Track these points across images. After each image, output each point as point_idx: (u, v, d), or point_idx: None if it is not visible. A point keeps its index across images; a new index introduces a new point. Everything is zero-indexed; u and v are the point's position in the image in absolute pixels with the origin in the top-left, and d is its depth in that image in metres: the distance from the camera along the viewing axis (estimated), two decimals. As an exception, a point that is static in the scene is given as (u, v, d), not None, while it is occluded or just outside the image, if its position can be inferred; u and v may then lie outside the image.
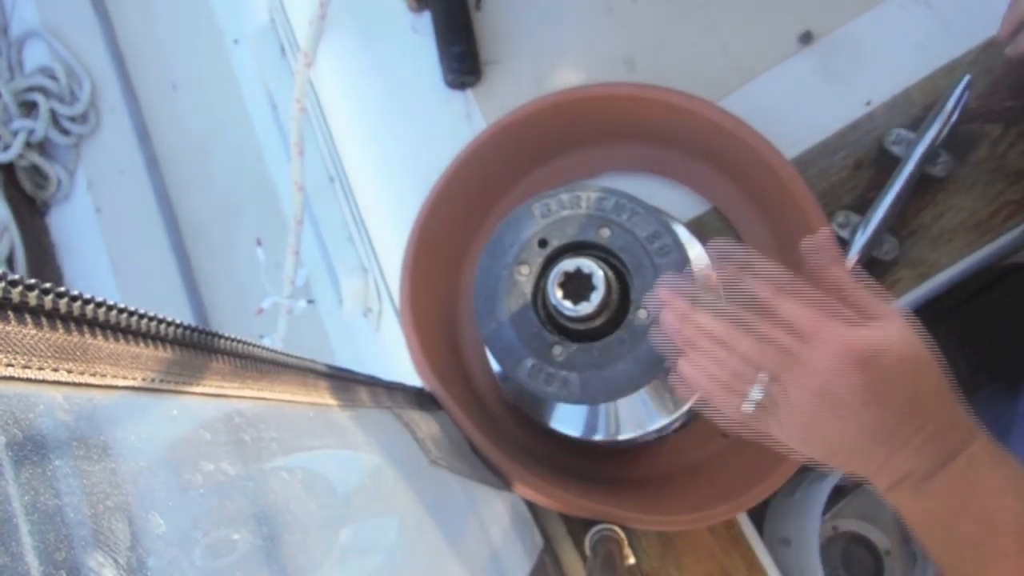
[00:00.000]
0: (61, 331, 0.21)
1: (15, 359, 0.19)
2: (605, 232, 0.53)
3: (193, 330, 0.27)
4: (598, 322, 0.52)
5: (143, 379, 0.23)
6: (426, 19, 0.74)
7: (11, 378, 0.19)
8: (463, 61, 0.70)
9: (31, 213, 1.80)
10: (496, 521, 0.57)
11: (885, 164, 0.66)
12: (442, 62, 0.71)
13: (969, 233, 0.65)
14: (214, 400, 0.27)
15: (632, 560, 0.63)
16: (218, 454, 0.26)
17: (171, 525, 0.22)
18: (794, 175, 0.60)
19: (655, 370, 0.50)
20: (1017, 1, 0.58)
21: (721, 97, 0.68)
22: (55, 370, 0.20)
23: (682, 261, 0.51)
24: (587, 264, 0.51)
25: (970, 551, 0.41)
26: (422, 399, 0.57)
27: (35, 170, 1.79)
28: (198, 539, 0.24)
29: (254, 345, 0.31)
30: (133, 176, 1.73)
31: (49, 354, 0.20)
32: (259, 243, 1.27)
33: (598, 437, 0.61)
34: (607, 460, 0.65)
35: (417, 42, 0.74)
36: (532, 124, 0.64)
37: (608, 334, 0.51)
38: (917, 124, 0.66)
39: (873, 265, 0.65)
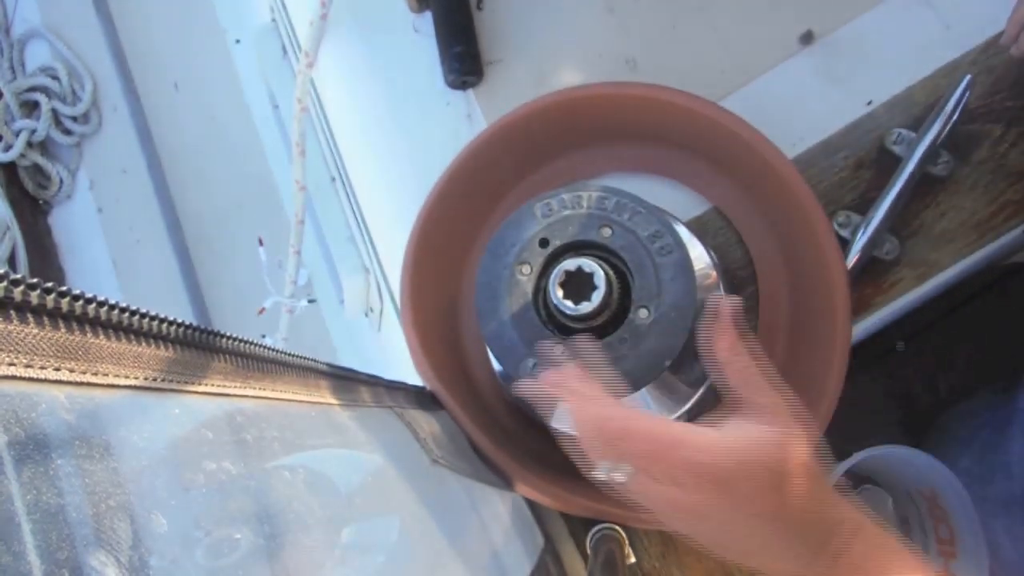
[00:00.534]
0: (63, 330, 0.21)
1: (17, 358, 0.19)
2: (606, 232, 0.53)
3: (195, 329, 0.27)
4: (599, 321, 0.52)
5: (145, 378, 0.24)
6: (427, 19, 0.74)
7: (13, 377, 0.19)
8: (464, 61, 0.70)
9: (33, 213, 1.80)
10: (497, 520, 0.57)
11: (886, 164, 0.66)
12: (443, 62, 0.72)
13: (970, 233, 0.65)
14: (216, 399, 0.27)
15: (633, 559, 0.63)
16: (220, 453, 0.26)
17: (173, 524, 0.23)
18: (795, 175, 0.60)
19: (656, 369, 0.50)
20: (1022, 2, 0.58)
21: (722, 97, 0.68)
22: (57, 369, 0.20)
23: (683, 261, 0.51)
24: (588, 264, 0.51)
25: None
26: (423, 398, 0.57)
27: (37, 170, 1.79)
28: (200, 538, 0.24)
29: (256, 344, 0.31)
30: (135, 176, 1.73)
31: (51, 353, 0.20)
32: (260, 243, 1.27)
33: (599, 437, 0.61)
34: (608, 460, 0.65)
35: (418, 42, 0.74)
36: (533, 124, 0.64)
37: (609, 334, 0.51)
38: (918, 124, 0.66)
39: (874, 265, 0.65)
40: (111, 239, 1.76)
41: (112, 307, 0.23)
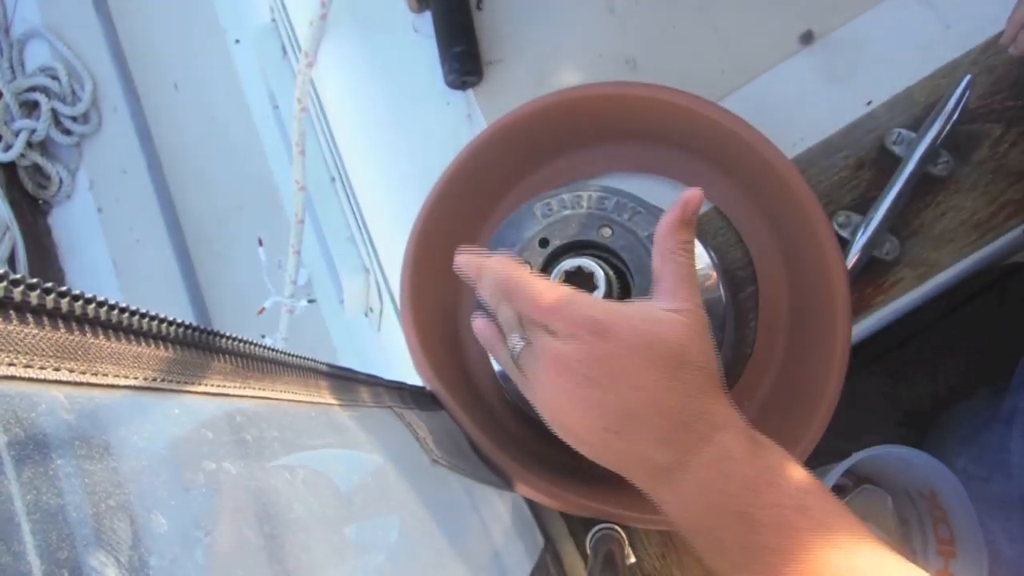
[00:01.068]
0: (63, 330, 0.21)
1: (17, 358, 0.19)
2: (606, 231, 0.53)
3: (195, 329, 0.27)
4: (599, 322, 0.51)
5: (145, 378, 0.24)
6: (427, 19, 0.74)
7: (13, 377, 0.19)
8: (464, 61, 0.70)
9: (33, 213, 1.80)
10: (497, 520, 0.57)
11: (886, 164, 0.66)
12: (443, 62, 0.72)
13: (970, 233, 0.65)
14: (216, 399, 0.27)
15: (633, 559, 0.63)
16: (220, 453, 0.26)
17: (173, 524, 0.23)
18: (795, 175, 0.60)
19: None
20: (1022, 2, 0.58)
21: (722, 97, 0.68)
22: (57, 369, 0.20)
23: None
24: (588, 264, 0.51)
25: (735, 554, 0.39)
26: (423, 398, 0.57)
27: (37, 170, 1.79)
28: (200, 538, 0.24)
29: (256, 344, 0.31)
30: (135, 176, 1.73)
31: (51, 353, 0.20)
32: (260, 243, 1.27)
33: (599, 437, 0.61)
34: (608, 460, 0.65)
35: (418, 42, 0.74)
36: (533, 124, 0.64)
37: (609, 334, 0.51)
38: (918, 124, 0.66)
39: (874, 265, 0.65)
40: (111, 239, 1.76)
41: (112, 307, 0.23)
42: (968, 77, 0.64)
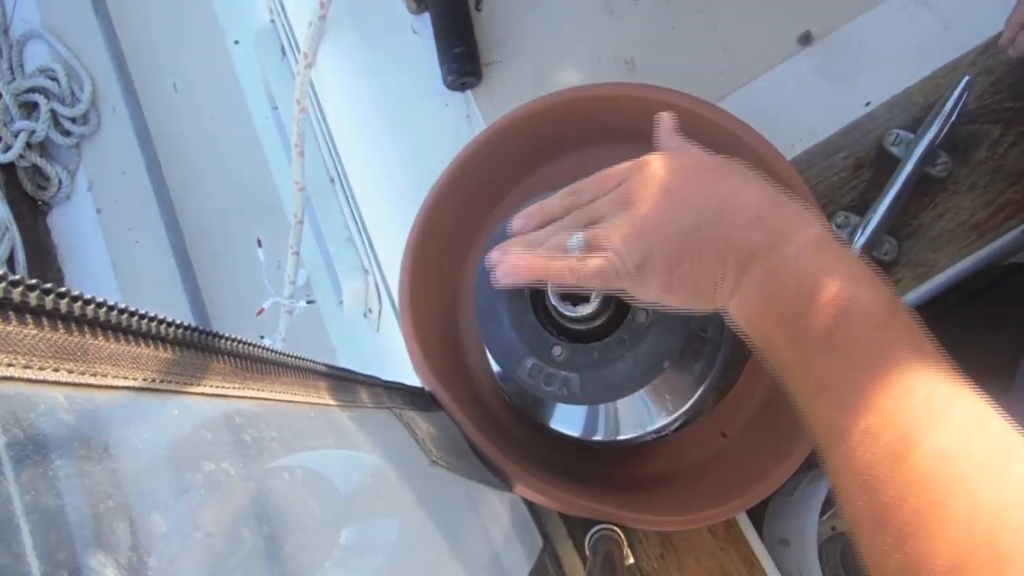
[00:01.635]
0: (62, 331, 0.21)
1: (16, 359, 0.19)
2: (605, 232, 0.53)
3: (194, 330, 0.27)
4: (598, 323, 0.52)
5: (144, 379, 0.24)
6: (426, 20, 0.74)
7: (12, 378, 0.19)
8: (463, 62, 0.70)
9: (32, 214, 1.80)
10: (496, 521, 0.57)
11: (885, 164, 0.66)
12: (442, 63, 0.72)
13: (969, 233, 0.65)
14: (215, 400, 0.27)
15: (632, 560, 0.63)
16: (219, 454, 0.26)
17: (172, 525, 0.23)
18: (794, 175, 0.60)
19: (655, 370, 0.50)
20: (1020, 3, 0.58)
21: (721, 97, 0.68)
22: (56, 370, 0.20)
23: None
24: (587, 264, 0.51)
25: (816, 341, 0.38)
26: (422, 399, 0.57)
27: (36, 171, 1.79)
28: (199, 539, 0.24)
29: (255, 345, 0.31)
30: (134, 176, 1.73)
31: (50, 354, 0.20)
32: (260, 243, 1.27)
33: (597, 437, 0.61)
34: (607, 460, 0.65)
35: (417, 43, 0.74)
36: (532, 124, 0.64)
37: (608, 334, 0.51)
38: (917, 125, 0.66)
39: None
40: (110, 240, 1.76)
41: (111, 308, 0.23)
42: (967, 78, 0.64)
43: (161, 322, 0.25)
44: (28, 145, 1.77)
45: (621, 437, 0.61)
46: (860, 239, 0.64)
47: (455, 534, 0.48)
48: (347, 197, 0.83)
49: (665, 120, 0.52)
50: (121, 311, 0.23)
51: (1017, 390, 0.68)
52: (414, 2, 0.73)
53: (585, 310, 0.50)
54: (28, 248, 1.73)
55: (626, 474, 0.64)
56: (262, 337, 1.10)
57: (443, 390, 0.59)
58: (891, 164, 0.65)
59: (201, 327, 0.27)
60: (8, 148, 1.75)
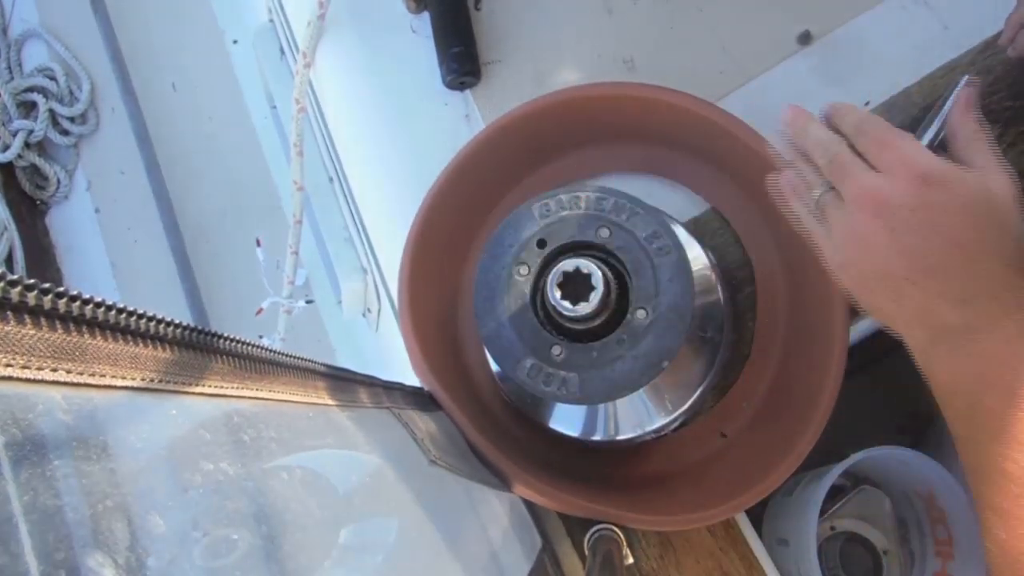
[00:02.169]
0: (60, 331, 0.21)
1: (14, 359, 0.19)
2: (604, 232, 0.53)
3: (192, 330, 0.27)
4: (597, 322, 0.52)
5: (142, 379, 0.24)
6: (425, 20, 0.74)
7: (10, 378, 0.19)
8: (462, 62, 0.70)
9: (31, 213, 1.80)
10: (495, 521, 0.57)
11: (884, 164, 0.66)
12: (441, 63, 0.71)
13: (968, 233, 0.65)
14: (213, 400, 0.27)
15: (631, 560, 0.63)
16: (218, 454, 0.26)
17: (170, 525, 0.22)
18: (793, 175, 0.60)
19: (654, 370, 0.50)
20: (1020, 3, 0.58)
21: (721, 97, 0.68)
22: (54, 370, 0.20)
23: (681, 261, 0.52)
24: (586, 264, 0.51)
25: (994, 422, 0.37)
26: (421, 399, 0.57)
27: (35, 170, 1.79)
28: (198, 539, 0.24)
29: (253, 345, 0.31)
30: (132, 176, 1.73)
31: (48, 354, 0.20)
32: (258, 243, 1.27)
33: (597, 437, 0.61)
34: (606, 460, 0.65)
35: (416, 43, 0.74)
36: (531, 124, 0.64)
37: (607, 334, 0.51)
38: (916, 124, 0.66)
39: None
40: (109, 240, 1.76)
41: (109, 308, 0.23)
42: (966, 77, 0.64)
43: (160, 322, 0.25)
44: (27, 145, 1.77)
45: (620, 437, 0.61)
46: (859, 239, 0.63)
47: (454, 534, 0.48)
48: (346, 197, 0.83)
49: (963, 98, 0.48)
50: (120, 311, 0.23)
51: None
52: (413, 1, 0.73)
53: (585, 309, 0.50)
54: (27, 248, 1.73)
55: (625, 474, 0.64)
56: (261, 337, 1.09)
57: (442, 390, 0.59)
58: (890, 164, 0.65)
59: (200, 327, 0.27)
60: (7, 148, 1.75)
